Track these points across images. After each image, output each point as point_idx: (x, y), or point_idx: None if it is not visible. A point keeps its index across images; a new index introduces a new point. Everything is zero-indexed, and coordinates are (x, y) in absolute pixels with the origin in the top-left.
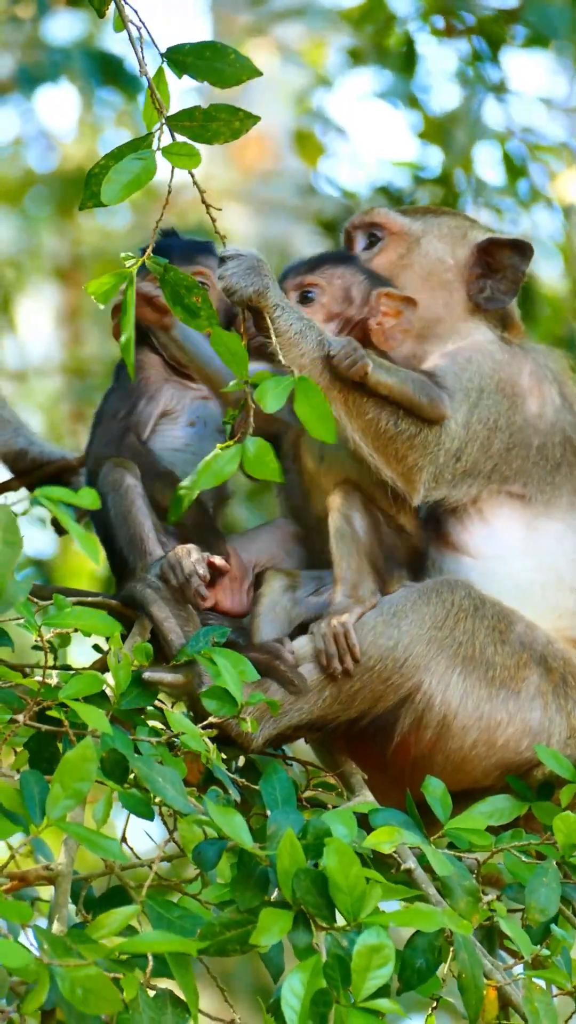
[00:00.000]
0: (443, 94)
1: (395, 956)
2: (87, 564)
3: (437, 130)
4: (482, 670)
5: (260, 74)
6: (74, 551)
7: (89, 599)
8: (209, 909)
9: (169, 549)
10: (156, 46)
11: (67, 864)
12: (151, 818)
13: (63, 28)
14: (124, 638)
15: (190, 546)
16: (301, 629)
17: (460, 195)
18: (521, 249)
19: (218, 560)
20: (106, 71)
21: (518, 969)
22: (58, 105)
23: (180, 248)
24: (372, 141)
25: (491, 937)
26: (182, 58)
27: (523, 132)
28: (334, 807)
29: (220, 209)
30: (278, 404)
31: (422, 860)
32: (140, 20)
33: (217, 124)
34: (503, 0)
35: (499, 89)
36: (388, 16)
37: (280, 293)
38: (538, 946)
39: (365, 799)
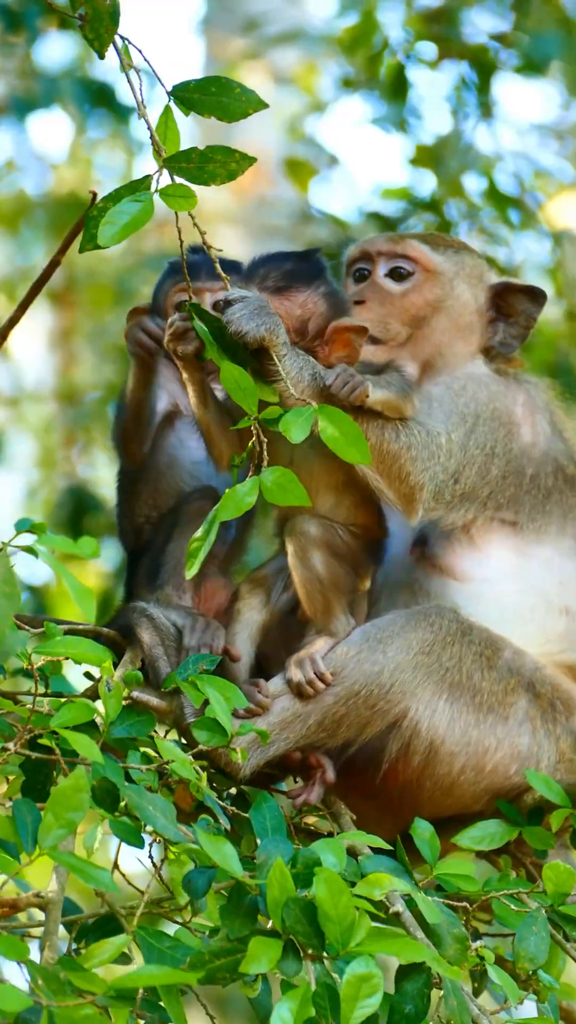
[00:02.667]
0: (434, 120)
1: (384, 999)
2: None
3: (428, 156)
4: (469, 696)
5: (266, 106)
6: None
7: (80, 627)
8: (199, 936)
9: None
10: (161, 83)
11: (58, 891)
12: (141, 846)
13: (55, 51)
14: (116, 665)
15: (218, 625)
16: (284, 628)
17: (452, 222)
18: (535, 296)
19: (233, 651)
20: (98, 96)
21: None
22: (50, 129)
23: (208, 265)
24: (365, 167)
25: (480, 978)
26: (188, 95)
27: (515, 157)
28: (328, 834)
29: (221, 250)
30: (303, 434)
31: (410, 904)
32: (145, 58)
33: (214, 165)
34: (496, 25)
35: (489, 115)
36: (381, 41)
37: (285, 332)
38: (525, 992)
39: (354, 831)
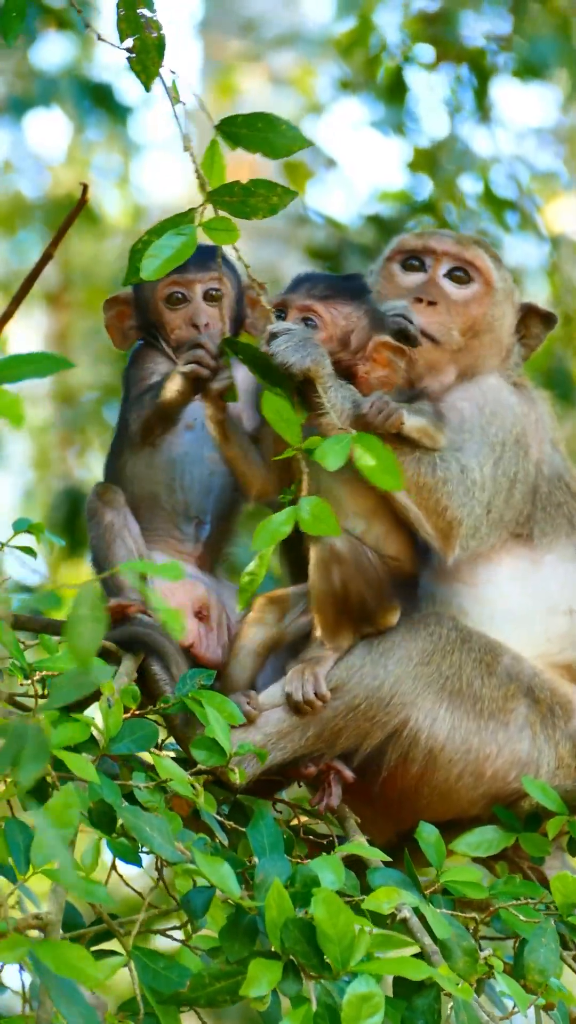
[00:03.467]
0: (432, 123)
1: (393, 1015)
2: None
3: (425, 160)
4: (470, 703)
5: (311, 144)
6: (63, 578)
7: None
8: (199, 954)
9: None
10: (209, 116)
11: (56, 912)
12: (139, 864)
13: (53, 52)
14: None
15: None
16: (292, 652)
17: (449, 225)
18: (549, 321)
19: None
20: (95, 97)
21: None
22: (48, 130)
23: (196, 256)
24: (362, 169)
25: (478, 985)
26: (235, 130)
27: (513, 161)
28: (329, 839)
29: (265, 287)
30: (340, 462)
31: (417, 911)
32: (193, 93)
33: (256, 199)
34: (494, 27)
35: (487, 118)
36: (379, 43)
37: (330, 363)
38: (534, 996)
39: (360, 838)
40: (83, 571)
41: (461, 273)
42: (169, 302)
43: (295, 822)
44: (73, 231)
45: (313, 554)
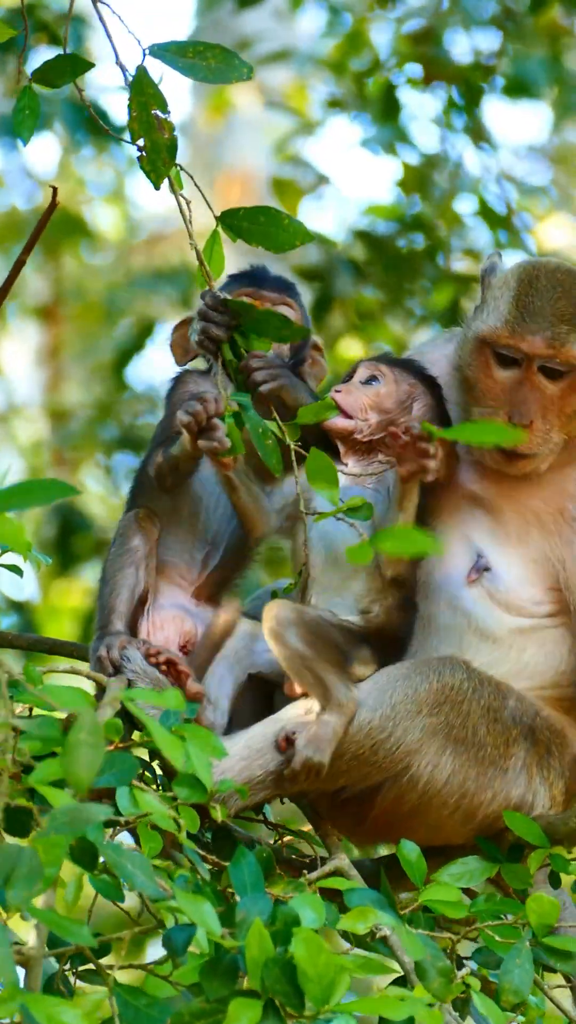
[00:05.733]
0: (423, 141)
1: None
2: (67, 605)
3: (417, 177)
4: (473, 751)
5: (313, 239)
6: (54, 593)
7: (61, 667)
8: (180, 990)
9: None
10: (211, 207)
11: (38, 947)
12: (122, 900)
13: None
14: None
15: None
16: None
17: (441, 243)
18: None
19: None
20: (89, 121)
21: None
22: (41, 146)
23: (270, 281)
24: (355, 187)
25: (463, 1006)
26: (236, 222)
27: (504, 179)
28: (311, 859)
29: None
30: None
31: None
32: (200, 191)
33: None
34: (484, 44)
35: (478, 136)
36: (369, 61)
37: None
38: (513, 1012)
39: (340, 863)
40: (75, 587)
41: (555, 368)
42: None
43: (278, 842)
44: (66, 247)
45: (264, 631)
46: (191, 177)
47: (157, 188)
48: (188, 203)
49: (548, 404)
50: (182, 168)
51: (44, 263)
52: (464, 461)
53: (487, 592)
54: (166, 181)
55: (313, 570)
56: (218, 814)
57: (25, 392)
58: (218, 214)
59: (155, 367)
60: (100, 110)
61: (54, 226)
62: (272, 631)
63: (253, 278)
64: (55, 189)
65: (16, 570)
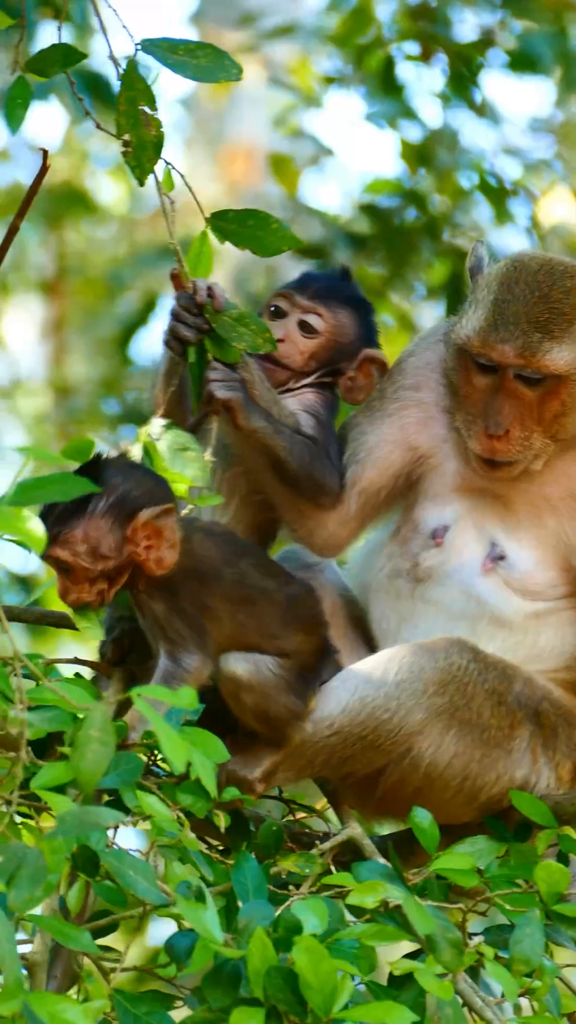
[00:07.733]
0: (425, 116)
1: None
2: None
3: (415, 153)
4: (476, 732)
5: (301, 244)
6: None
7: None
8: (184, 994)
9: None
10: (199, 206)
11: (42, 953)
12: (125, 906)
13: (49, 41)
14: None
15: None
16: None
17: (442, 216)
18: None
19: None
20: (93, 90)
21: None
22: (45, 119)
23: (312, 290)
24: (358, 161)
25: (474, 974)
26: (225, 224)
27: (506, 153)
28: (323, 834)
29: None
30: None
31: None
32: (186, 183)
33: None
34: (487, 19)
35: (479, 111)
36: (373, 35)
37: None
38: (528, 977)
39: (353, 832)
40: None
41: (530, 375)
42: (270, 311)
43: (290, 818)
44: (69, 219)
45: (222, 688)
46: (182, 176)
47: (142, 184)
48: (172, 203)
49: (526, 411)
50: (172, 167)
51: (47, 236)
52: (471, 458)
53: (503, 580)
54: (151, 178)
55: None
56: (221, 822)
57: (29, 366)
58: (213, 210)
59: (159, 342)
60: (105, 82)
61: (58, 199)
62: (231, 693)
63: (301, 281)
64: (46, 152)
65: (23, 544)
